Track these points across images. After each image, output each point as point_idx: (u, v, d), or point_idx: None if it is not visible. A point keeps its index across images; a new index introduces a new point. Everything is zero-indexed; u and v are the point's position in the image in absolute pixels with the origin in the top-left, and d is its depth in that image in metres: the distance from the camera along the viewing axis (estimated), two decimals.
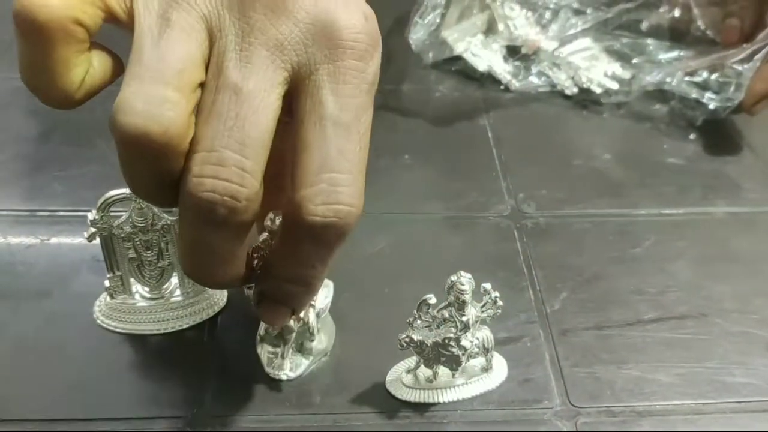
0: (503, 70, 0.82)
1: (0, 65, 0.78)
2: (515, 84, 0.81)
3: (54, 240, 0.61)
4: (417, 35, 0.80)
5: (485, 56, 0.82)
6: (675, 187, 0.72)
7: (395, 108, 0.79)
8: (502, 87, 0.82)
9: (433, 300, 0.48)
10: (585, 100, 0.82)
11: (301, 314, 0.51)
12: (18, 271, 0.59)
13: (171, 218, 0.51)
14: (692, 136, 0.78)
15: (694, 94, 0.79)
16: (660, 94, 0.82)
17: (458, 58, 0.84)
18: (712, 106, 0.78)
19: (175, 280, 0.56)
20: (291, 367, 0.53)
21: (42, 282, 0.58)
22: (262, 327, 0.54)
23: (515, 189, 0.70)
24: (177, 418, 0.50)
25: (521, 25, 0.82)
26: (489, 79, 0.83)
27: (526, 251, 0.64)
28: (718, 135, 0.79)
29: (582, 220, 0.67)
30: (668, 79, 0.80)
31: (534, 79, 0.82)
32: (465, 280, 0.47)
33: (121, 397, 0.51)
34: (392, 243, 0.64)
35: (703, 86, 0.80)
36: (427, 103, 0.80)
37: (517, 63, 0.83)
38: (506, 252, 0.64)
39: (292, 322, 0.51)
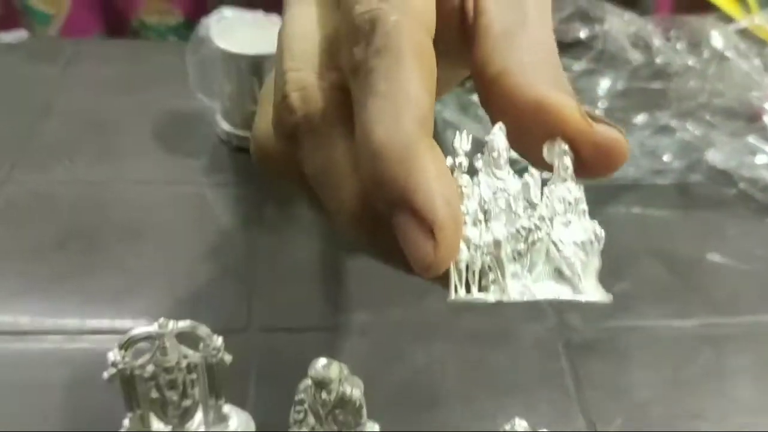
0: None
1: (19, 168, 0.75)
2: None
3: (71, 356, 0.58)
4: None
5: None
6: (728, 292, 0.67)
7: None
8: None
9: None
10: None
11: None
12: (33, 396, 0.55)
13: (197, 356, 0.47)
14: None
15: None
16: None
17: None
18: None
19: (199, 415, 0.52)
20: None
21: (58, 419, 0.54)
22: None
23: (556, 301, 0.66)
24: None
25: None
26: None
27: (574, 369, 0.59)
28: None
29: (629, 333, 0.63)
30: None
31: None
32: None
33: None
34: (429, 361, 0.60)
35: None
36: None
37: None
38: (551, 371, 0.59)
39: None
